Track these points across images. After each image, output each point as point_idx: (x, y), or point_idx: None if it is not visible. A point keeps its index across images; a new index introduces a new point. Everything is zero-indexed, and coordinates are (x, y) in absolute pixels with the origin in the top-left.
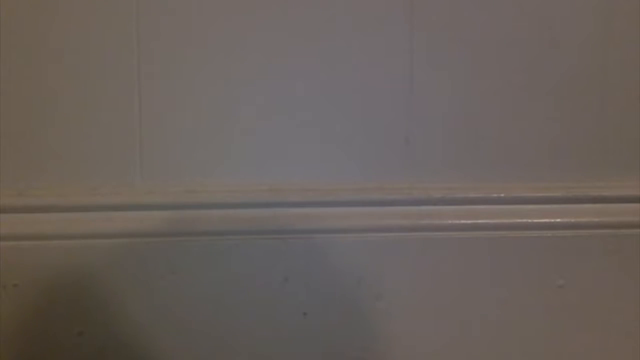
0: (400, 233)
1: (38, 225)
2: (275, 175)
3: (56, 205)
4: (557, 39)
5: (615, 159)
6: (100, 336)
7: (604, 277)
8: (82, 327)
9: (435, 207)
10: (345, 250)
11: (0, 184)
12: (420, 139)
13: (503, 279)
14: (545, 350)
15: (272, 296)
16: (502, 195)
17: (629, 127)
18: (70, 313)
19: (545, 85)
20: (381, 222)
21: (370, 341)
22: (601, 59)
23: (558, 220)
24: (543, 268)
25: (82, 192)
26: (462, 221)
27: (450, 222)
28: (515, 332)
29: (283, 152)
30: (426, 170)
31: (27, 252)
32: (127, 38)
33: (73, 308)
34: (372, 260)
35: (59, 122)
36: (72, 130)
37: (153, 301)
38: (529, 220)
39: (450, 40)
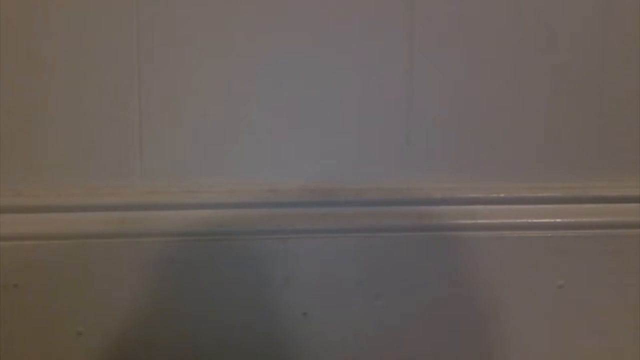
0: (400, 233)
1: (38, 225)
2: (275, 175)
3: (56, 205)
4: (557, 38)
5: (615, 159)
6: (100, 336)
7: (604, 277)
8: (82, 327)
9: (435, 207)
10: (345, 250)
11: (0, 184)
12: (420, 139)
13: (503, 278)
14: (545, 351)
15: (272, 296)
16: (502, 195)
17: (629, 127)
18: (70, 313)
19: (545, 85)
20: (381, 222)
21: (369, 341)
22: (600, 58)
23: (558, 220)
24: (543, 268)
25: (82, 192)
26: (462, 221)
27: (450, 222)
28: (515, 332)
29: (283, 152)
30: (426, 170)
31: (27, 252)
32: (127, 38)
33: (73, 308)
34: (371, 260)
35: (58, 122)
36: (72, 130)
37: (153, 301)
38: (529, 220)
39: (450, 41)
